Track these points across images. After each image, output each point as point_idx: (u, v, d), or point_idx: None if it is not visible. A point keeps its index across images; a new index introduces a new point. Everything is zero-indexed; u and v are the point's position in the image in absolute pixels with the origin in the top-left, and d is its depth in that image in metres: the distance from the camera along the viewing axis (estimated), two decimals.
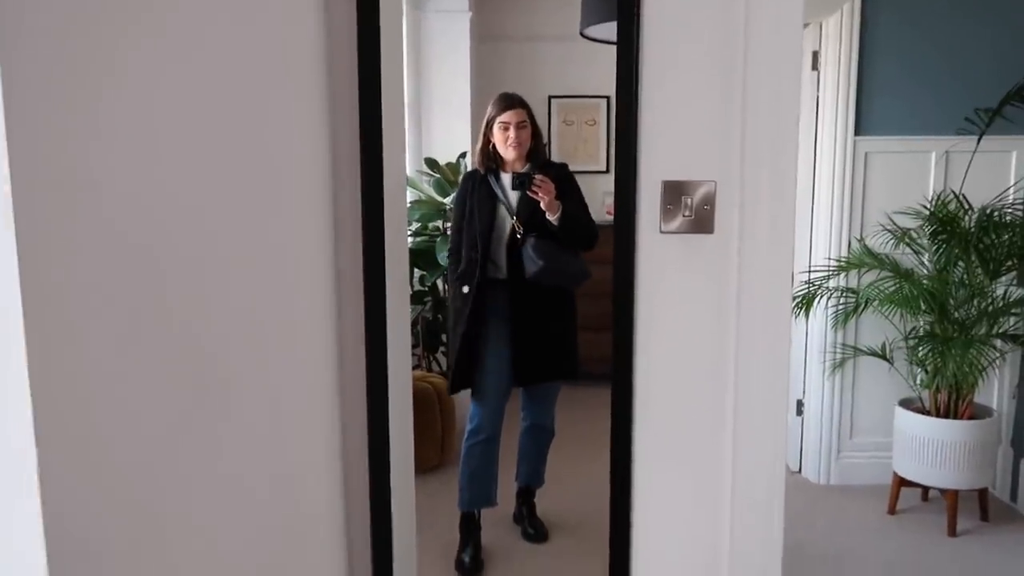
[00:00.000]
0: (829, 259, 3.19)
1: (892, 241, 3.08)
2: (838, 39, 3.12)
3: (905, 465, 2.97)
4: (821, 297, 3.15)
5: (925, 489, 3.13)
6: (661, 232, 1.37)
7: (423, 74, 3.14)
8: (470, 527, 2.37)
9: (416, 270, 2.95)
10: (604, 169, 2.92)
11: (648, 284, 1.38)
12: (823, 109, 3.22)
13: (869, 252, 3.10)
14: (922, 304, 2.89)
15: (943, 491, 2.94)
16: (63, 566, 0.67)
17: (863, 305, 3.08)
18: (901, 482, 3.02)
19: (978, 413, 2.93)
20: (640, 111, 1.33)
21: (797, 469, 3.45)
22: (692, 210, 1.35)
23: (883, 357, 3.15)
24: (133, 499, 0.78)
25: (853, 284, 3.18)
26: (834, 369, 3.26)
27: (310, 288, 1.28)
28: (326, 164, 1.33)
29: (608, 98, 2.84)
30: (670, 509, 1.47)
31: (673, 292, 1.39)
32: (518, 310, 2.31)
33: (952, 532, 2.88)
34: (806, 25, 3.14)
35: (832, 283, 3.16)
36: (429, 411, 2.77)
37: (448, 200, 2.96)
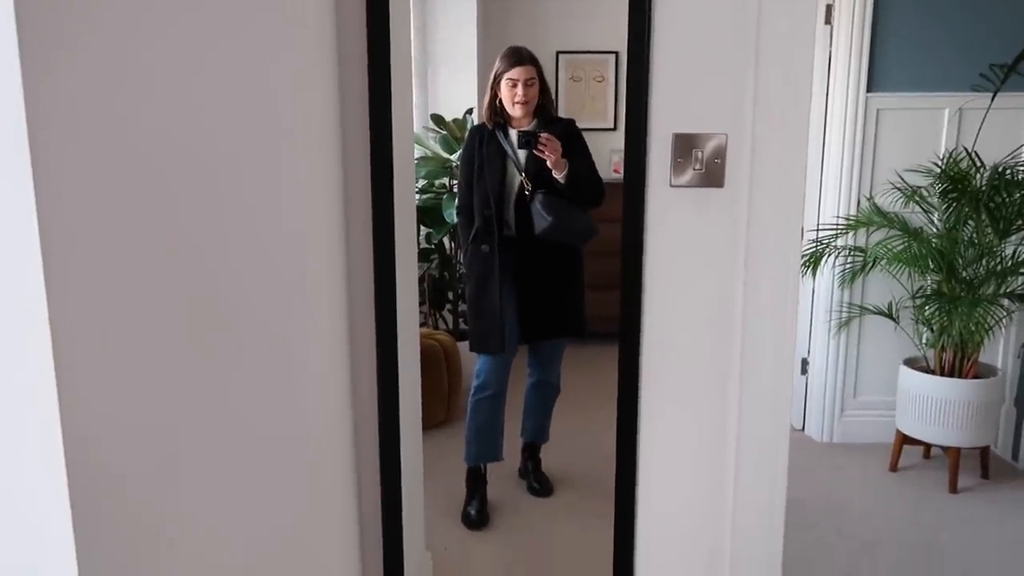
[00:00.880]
0: (838, 217, 3.17)
1: (902, 200, 3.05)
2: None
3: (908, 423, 2.99)
4: (828, 256, 3.14)
5: (927, 447, 3.15)
6: (671, 186, 1.36)
7: (429, 29, 3.10)
8: (476, 481, 2.40)
9: (422, 227, 2.95)
10: (611, 126, 2.89)
11: (657, 238, 1.38)
12: (835, 64, 3.17)
13: (878, 211, 3.08)
14: (930, 263, 2.88)
15: (945, 449, 2.96)
16: (86, 503, 0.68)
17: (871, 264, 3.07)
18: (904, 439, 3.04)
19: (982, 372, 2.94)
20: (652, 62, 1.31)
21: (801, 427, 3.48)
22: (703, 163, 1.34)
23: (889, 316, 3.15)
24: (153, 445, 0.79)
25: (861, 243, 3.16)
26: (840, 328, 3.26)
27: (320, 248, 1.27)
28: (335, 123, 1.32)
29: (616, 54, 2.80)
30: (675, 464, 1.48)
31: (682, 246, 1.39)
32: (526, 267, 2.31)
33: (953, 489, 2.91)
34: None
35: (840, 242, 3.14)
36: (436, 368, 2.79)
37: (454, 157, 2.94)
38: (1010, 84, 2.89)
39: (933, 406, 2.89)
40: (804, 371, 3.45)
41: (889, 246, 2.97)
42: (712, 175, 1.34)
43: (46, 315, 0.63)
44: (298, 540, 1.20)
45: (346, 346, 1.42)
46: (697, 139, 1.34)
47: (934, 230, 2.97)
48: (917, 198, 3.00)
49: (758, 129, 1.34)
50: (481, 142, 2.30)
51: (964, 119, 3.07)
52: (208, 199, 0.89)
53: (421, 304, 2.92)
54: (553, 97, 2.35)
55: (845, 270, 3.17)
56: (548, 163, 2.16)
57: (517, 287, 2.32)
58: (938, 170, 2.93)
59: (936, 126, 3.12)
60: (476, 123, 2.46)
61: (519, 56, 2.24)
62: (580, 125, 2.32)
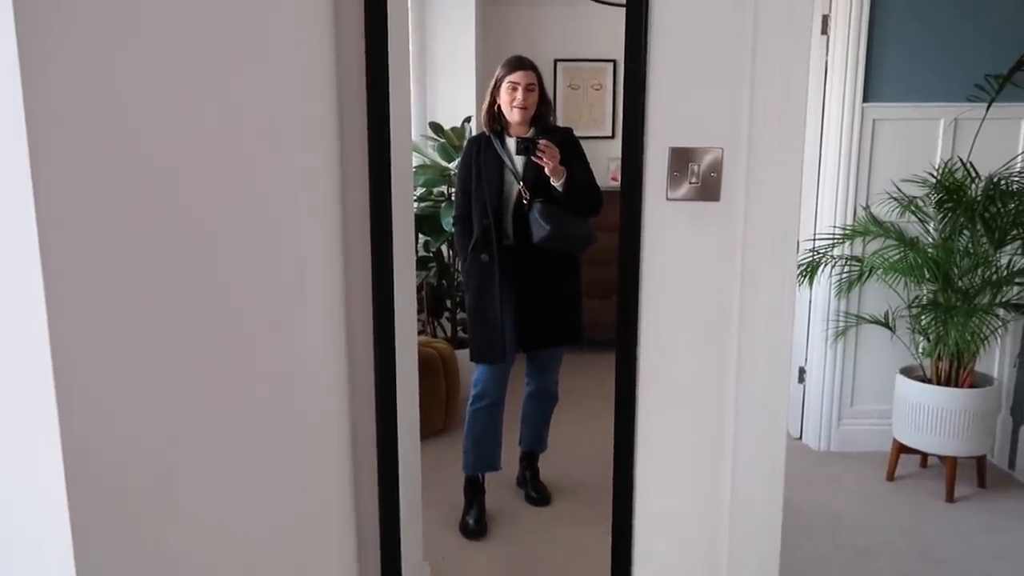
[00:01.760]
0: (834, 227, 3.19)
1: (898, 209, 3.06)
2: (848, 3, 3.08)
3: (905, 432, 3.00)
4: (825, 265, 3.15)
5: (924, 456, 3.16)
6: (668, 199, 1.37)
7: (427, 38, 3.11)
8: (474, 491, 2.40)
9: (420, 236, 2.95)
10: (609, 134, 2.90)
11: (654, 251, 1.39)
12: (831, 74, 3.18)
13: (874, 220, 3.09)
14: (926, 273, 2.89)
15: (942, 458, 2.97)
16: (86, 509, 0.68)
17: (867, 273, 3.08)
18: (900, 449, 3.05)
19: (978, 381, 2.95)
20: (648, 76, 1.32)
21: (798, 436, 3.48)
22: (699, 177, 1.35)
23: (886, 325, 3.16)
24: (153, 450, 0.80)
25: (857, 252, 3.17)
26: (836, 337, 3.27)
27: (318, 256, 1.28)
28: (333, 131, 1.33)
29: (614, 62, 2.81)
30: (672, 473, 1.49)
31: (679, 259, 1.39)
32: (524, 275, 2.32)
33: (950, 498, 2.91)
34: None
35: (836, 251, 3.16)
36: (434, 376, 2.79)
37: (453, 165, 2.95)
38: (1005, 95, 2.91)
39: (930, 415, 2.90)
40: (801, 380, 3.46)
41: (885, 256, 2.98)
42: (708, 188, 1.35)
43: (45, 321, 0.64)
44: (296, 549, 1.21)
45: (344, 354, 1.42)
46: (693, 153, 1.35)
47: (930, 240, 2.99)
48: (913, 208, 3.02)
49: (754, 142, 1.35)
50: (479, 151, 2.31)
51: (959, 129, 3.09)
52: (205, 205, 0.89)
53: (419, 312, 2.92)
54: (553, 108, 2.36)
55: (842, 279, 3.18)
56: (546, 170, 2.16)
57: (516, 296, 2.33)
58: (934, 180, 2.94)
59: (932, 136, 3.13)
60: (474, 132, 2.47)
61: (521, 63, 2.26)
62: (578, 133, 2.33)
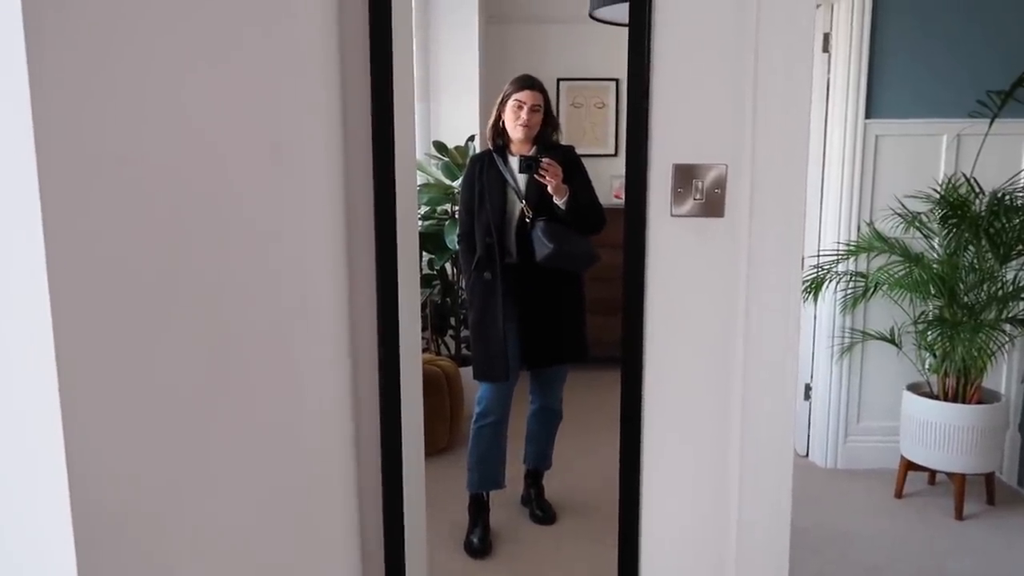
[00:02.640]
0: (838, 243, 3.18)
1: (902, 225, 3.06)
2: (849, 21, 3.09)
3: (912, 449, 2.98)
4: (830, 281, 3.14)
5: (932, 473, 3.13)
6: (672, 215, 1.37)
7: (431, 57, 3.13)
8: (479, 509, 2.39)
9: (424, 254, 2.96)
10: (612, 152, 2.91)
11: (658, 268, 1.39)
12: (833, 91, 3.20)
13: (879, 236, 3.09)
14: (931, 288, 2.88)
15: (950, 475, 2.94)
16: (90, 539, 0.68)
17: (872, 289, 3.08)
18: (908, 466, 3.03)
19: (986, 398, 2.93)
20: (651, 93, 1.33)
21: (804, 453, 3.46)
22: (703, 193, 1.35)
23: (891, 342, 3.15)
24: (158, 468, 0.80)
25: (862, 268, 3.17)
26: (842, 353, 3.25)
27: (323, 274, 1.28)
28: (338, 150, 1.33)
29: (617, 81, 2.83)
30: (679, 492, 1.48)
31: (683, 276, 1.39)
32: (527, 293, 2.32)
33: (959, 516, 2.88)
34: (818, 6, 3.11)
35: (841, 267, 3.15)
36: (438, 394, 2.79)
37: (456, 184, 2.96)
38: (1008, 111, 2.91)
39: (937, 432, 2.88)
40: (807, 397, 3.44)
41: (890, 271, 2.98)
42: (712, 205, 1.35)
43: (50, 331, 0.64)
44: (299, 568, 1.20)
45: (348, 372, 1.42)
46: (697, 169, 1.35)
47: (935, 255, 2.98)
48: (917, 223, 3.01)
49: (758, 159, 1.35)
50: (482, 170, 2.32)
51: (962, 145, 3.09)
52: (210, 223, 0.90)
53: (423, 330, 2.92)
54: (558, 127, 2.37)
55: (847, 295, 3.17)
56: (549, 188, 2.17)
57: (519, 313, 2.33)
58: (937, 196, 2.94)
59: (935, 152, 3.14)
60: (478, 150, 2.48)
61: (530, 82, 2.27)
62: (581, 151, 2.35)
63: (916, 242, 3.04)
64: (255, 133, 1.00)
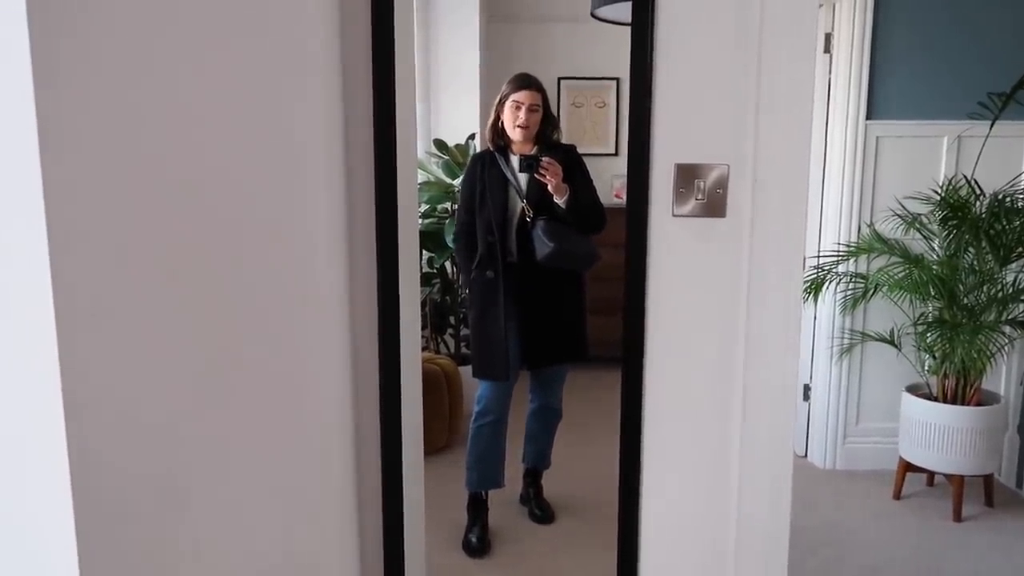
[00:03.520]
0: (839, 244, 3.18)
1: (902, 226, 3.06)
2: (851, 21, 3.09)
3: (911, 450, 2.98)
4: (830, 282, 3.14)
5: (931, 474, 3.13)
6: (673, 215, 1.37)
7: (432, 56, 3.12)
8: (478, 508, 2.38)
9: (424, 252, 2.95)
10: (613, 152, 2.91)
11: (659, 267, 1.39)
12: (835, 92, 3.19)
13: (879, 237, 3.09)
14: (931, 290, 2.88)
15: (949, 477, 2.94)
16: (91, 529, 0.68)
17: (872, 290, 3.08)
18: (907, 467, 3.03)
19: (985, 399, 2.93)
20: (654, 93, 1.33)
21: (803, 454, 3.46)
22: (705, 193, 1.35)
23: (891, 343, 3.15)
24: (159, 463, 0.80)
25: (862, 269, 3.17)
26: (842, 354, 3.25)
27: (324, 271, 1.28)
28: (340, 148, 1.33)
29: (618, 80, 2.82)
30: (678, 492, 1.47)
31: (684, 275, 1.39)
32: (529, 292, 2.32)
33: (957, 517, 2.89)
34: (820, 6, 3.10)
35: (841, 268, 3.15)
36: (437, 392, 2.78)
37: (456, 182, 2.95)
38: (1008, 112, 2.91)
39: (936, 433, 2.88)
40: (806, 397, 3.45)
41: (890, 273, 2.98)
42: (714, 205, 1.35)
43: (53, 326, 0.64)
44: (298, 565, 1.20)
45: (349, 371, 1.42)
46: (699, 169, 1.35)
47: (935, 257, 2.98)
48: (918, 225, 3.01)
49: (759, 159, 1.35)
50: (483, 169, 2.31)
51: (963, 147, 3.09)
52: (211, 221, 0.90)
53: (423, 328, 2.92)
54: (558, 126, 2.36)
55: (846, 296, 3.17)
56: (549, 187, 2.17)
57: (519, 313, 2.33)
58: (938, 197, 2.94)
59: (935, 153, 3.14)
60: (478, 149, 2.48)
61: (527, 81, 2.26)
62: (582, 150, 2.34)
63: (916, 243, 3.04)
64: (257, 131, 1.00)
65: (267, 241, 1.04)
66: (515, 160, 2.27)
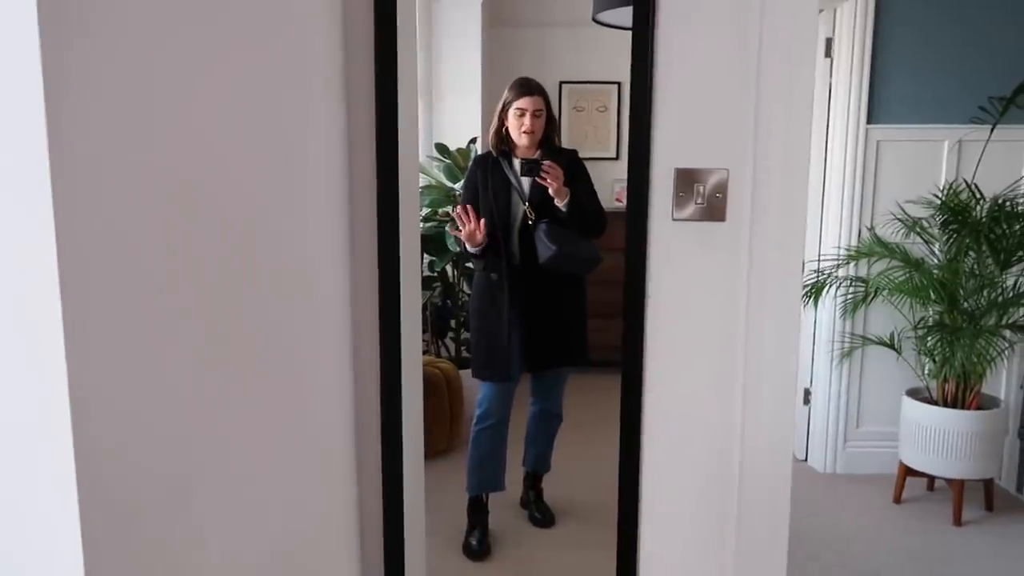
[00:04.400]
0: (839, 248, 3.19)
1: (903, 230, 3.07)
2: (852, 26, 3.10)
3: (911, 455, 2.98)
4: (830, 286, 3.14)
5: (931, 479, 3.13)
6: (673, 220, 1.37)
7: (434, 60, 3.13)
8: (478, 511, 2.39)
9: (426, 255, 2.96)
10: (614, 156, 2.91)
11: (659, 271, 1.39)
12: (835, 96, 3.20)
13: (879, 241, 3.09)
14: (932, 294, 2.88)
15: (949, 481, 2.94)
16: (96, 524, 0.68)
17: (872, 294, 3.08)
18: (907, 471, 3.03)
19: (985, 403, 2.93)
20: (654, 97, 1.33)
21: (803, 458, 3.46)
22: (704, 198, 1.35)
23: (891, 347, 3.15)
24: (163, 462, 0.80)
25: (863, 273, 3.17)
26: (842, 358, 3.26)
27: (326, 275, 1.28)
28: (342, 151, 1.34)
29: (619, 84, 2.83)
30: (678, 496, 1.48)
31: (684, 280, 1.39)
32: (530, 295, 2.32)
33: (957, 522, 2.89)
34: (820, 11, 3.11)
35: (841, 272, 3.15)
36: (438, 396, 2.79)
37: (458, 186, 2.96)
38: (1009, 117, 2.92)
39: (936, 437, 2.88)
40: (806, 401, 3.45)
41: (890, 277, 2.98)
42: (714, 209, 1.36)
43: (60, 326, 0.64)
44: (300, 569, 1.20)
45: (350, 374, 1.42)
46: (699, 174, 1.35)
47: (935, 261, 2.98)
48: (918, 229, 3.02)
49: (759, 164, 1.35)
50: (485, 171, 2.32)
51: (963, 151, 3.10)
52: (213, 223, 0.90)
53: (424, 332, 2.92)
54: (558, 128, 2.37)
55: (847, 300, 3.17)
56: (550, 190, 2.18)
57: (521, 315, 2.33)
58: (938, 201, 2.95)
59: (936, 158, 3.14)
60: (480, 153, 2.48)
61: (528, 87, 2.27)
62: (583, 154, 2.35)
63: (916, 248, 3.04)
64: (260, 135, 1.00)
65: (271, 244, 1.04)
66: (518, 164, 2.28)
